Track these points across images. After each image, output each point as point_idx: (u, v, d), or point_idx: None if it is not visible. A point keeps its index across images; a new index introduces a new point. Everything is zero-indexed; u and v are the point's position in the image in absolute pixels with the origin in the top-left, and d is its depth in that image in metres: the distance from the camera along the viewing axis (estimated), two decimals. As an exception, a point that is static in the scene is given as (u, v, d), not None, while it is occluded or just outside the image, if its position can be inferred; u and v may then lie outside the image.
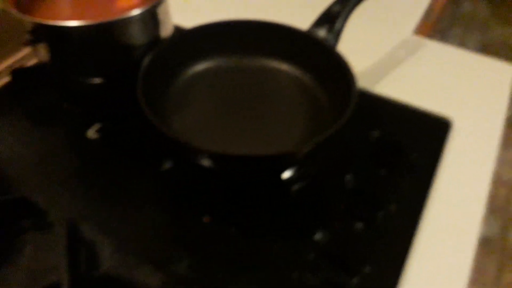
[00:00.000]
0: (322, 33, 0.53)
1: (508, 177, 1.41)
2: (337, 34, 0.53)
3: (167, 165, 0.49)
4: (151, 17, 0.51)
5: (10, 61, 0.63)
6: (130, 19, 0.48)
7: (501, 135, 0.56)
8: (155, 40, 0.53)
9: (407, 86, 0.61)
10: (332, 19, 0.53)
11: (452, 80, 0.62)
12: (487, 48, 2.03)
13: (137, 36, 0.51)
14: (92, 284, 0.39)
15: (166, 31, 0.55)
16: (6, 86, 0.59)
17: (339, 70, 0.48)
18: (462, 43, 2.04)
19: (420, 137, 0.53)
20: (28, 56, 0.64)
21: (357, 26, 0.69)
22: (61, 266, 0.37)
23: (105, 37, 0.48)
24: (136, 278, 0.39)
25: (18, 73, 0.58)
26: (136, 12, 0.47)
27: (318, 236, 0.43)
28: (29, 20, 0.46)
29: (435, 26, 1.04)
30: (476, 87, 0.62)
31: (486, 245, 1.29)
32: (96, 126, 0.54)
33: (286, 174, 0.48)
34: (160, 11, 0.52)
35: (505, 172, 1.42)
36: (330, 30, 0.53)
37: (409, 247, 0.42)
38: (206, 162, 0.42)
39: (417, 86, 0.61)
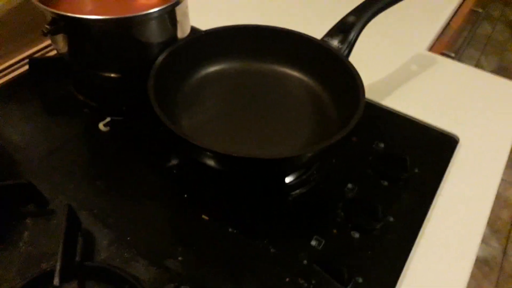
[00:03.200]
0: (335, 42, 0.53)
1: None
2: (350, 45, 0.54)
3: (173, 161, 0.50)
4: (169, 17, 0.52)
5: (29, 51, 0.64)
6: (149, 16, 0.49)
7: (508, 157, 0.56)
8: (172, 40, 0.54)
9: (417, 101, 0.61)
10: (346, 30, 0.54)
11: (462, 98, 0.63)
12: (503, 71, 2.02)
13: (154, 34, 0.52)
14: (85, 274, 0.40)
15: (183, 31, 0.56)
16: (24, 75, 0.61)
17: (349, 80, 0.49)
18: (478, 65, 2.03)
19: (426, 152, 0.53)
20: (47, 47, 0.66)
21: (372, 38, 0.70)
22: (56, 254, 0.38)
23: (123, 32, 0.50)
24: (129, 272, 0.40)
25: (35, 62, 0.60)
26: (154, 9, 0.49)
27: (314, 242, 0.43)
28: (50, 11, 0.48)
29: (451, 45, 1.04)
30: (486, 106, 0.62)
31: (484, 265, 1.28)
32: (107, 120, 0.55)
33: (289, 179, 0.48)
34: (179, 11, 0.53)
35: (510, 194, 1.40)
36: (343, 40, 0.53)
37: (404, 262, 0.42)
38: (210, 162, 0.43)
39: (426, 101, 0.61)
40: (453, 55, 0.92)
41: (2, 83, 0.60)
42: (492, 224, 1.32)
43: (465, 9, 0.96)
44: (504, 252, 1.30)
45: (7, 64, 0.62)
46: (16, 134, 0.54)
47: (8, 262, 0.41)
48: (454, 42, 1.04)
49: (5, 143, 0.52)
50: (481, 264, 1.28)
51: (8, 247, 0.42)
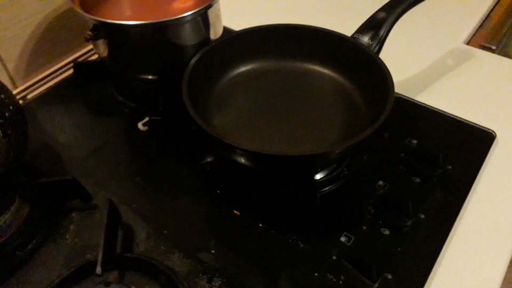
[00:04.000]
0: (365, 39, 0.53)
1: None
2: (380, 41, 0.53)
3: (207, 159, 0.52)
4: (202, 19, 0.54)
5: (73, 56, 0.69)
6: (183, 20, 0.51)
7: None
8: (205, 41, 0.56)
9: (452, 96, 0.60)
10: (377, 26, 0.54)
11: (499, 92, 0.61)
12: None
13: (188, 37, 0.54)
14: (125, 265, 0.42)
15: (216, 32, 0.58)
16: (69, 78, 0.65)
17: (379, 77, 0.49)
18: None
19: (460, 148, 0.52)
20: (90, 52, 0.70)
21: (407, 32, 0.69)
22: (99, 246, 0.41)
23: (158, 36, 0.52)
24: (166, 263, 0.42)
25: (79, 66, 0.64)
26: (188, 13, 0.51)
27: (343, 238, 0.44)
28: (92, 18, 0.51)
29: (493, 36, 1.00)
30: (525, 101, 0.59)
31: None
32: (146, 119, 0.58)
33: (319, 175, 0.49)
34: (211, 14, 0.55)
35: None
36: (373, 37, 0.53)
37: (434, 260, 0.42)
38: (242, 160, 0.44)
39: (462, 96, 0.60)
40: (494, 47, 0.88)
41: (50, 86, 0.65)
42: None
43: (507, 0, 0.92)
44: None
45: (54, 68, 0.66)
46: (62, 133, 0.58)
47: (56, 253, 0.44)
48: (496, 35, 1.00)
49: (52, 142, 0.56)
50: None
51: (56, 239, 0.45)
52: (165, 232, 0.45)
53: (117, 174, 0.52)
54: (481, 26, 0.79)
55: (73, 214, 0.47)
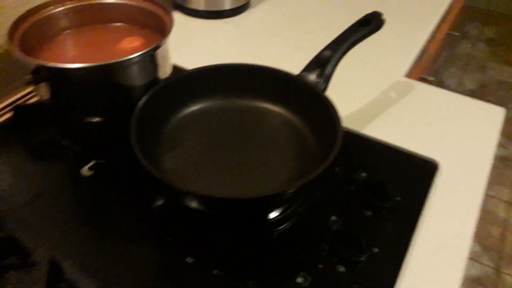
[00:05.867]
0: (312, 77, 0.55)
1: (502, 216, 1.40)
2: (327, 78, 0.55)
3: (157, 202, 0.50)
4: (150, 60, 0.53)
5: (13, 98, 0.65)
6: (130, 62, 0.50)
7: (494, 175, 0.57)
8: (154, 81, 0.55)
9: (397, 128, 0.63)
10: (323, 64, 0.55)
11: (440, 122, 0.64)
12: (485, 88, 2.06)
13: (136, 78, 0.53)
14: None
15: (164, 72, 0.57)
16: (8, 122, 0.62)
17: (327, 114, 0.50)
18: (460, 83, 2.07)
19: (407, 179, 0.54)
20: (30, 94, 0.67)
21: (350, 68, 0.72)
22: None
23: (104, 78, 0.51)
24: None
25: (19, 109, 0.61)
26: (134, 55, 0.50)
27: (300, 279, 0.43)
28: (32, 61, 0.49)
29: (431, 67, 1.07)
30: (465, 128, 0.63)
31: (478, 285, 1.27)
32: (92, 163, 0.56)
33: (273, 214, 0.48)
34: (159, 54, 0.54)
35: (499, 210, 1.41)
36: (320, 74, 0.55)
37: (392, 291, 0.42)
38: (193, 203, 0.43)
39: (406, 128, 0.63)
40: (432, 78, 0.94)
41: (-14, 130, 0.61)
42: (484, 242, 1.32)
43: (441, 34, 0.99)
44: (497, 270, 1.30)
45: (-9, 111, 0.63)
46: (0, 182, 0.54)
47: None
48: (433, 66, 1.06)
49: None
50: (475, 283, 1.27)
51: (-8, 301, 0.42)
52: (115, 286, 0.43)
53: (60, 225, 0.48)
54: (419, 58, 0.84)
55: (11, 273, 0.43)
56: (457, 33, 1.11)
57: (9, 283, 0.43)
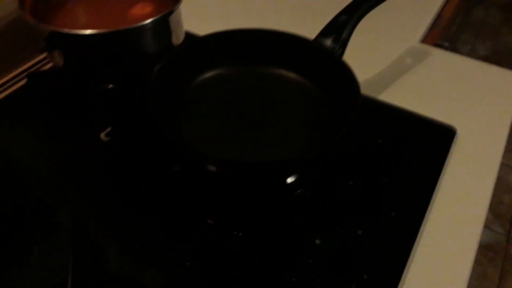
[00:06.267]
0: (328, 42, 0.54)
1: (514, 184, 1.41)
2: (343, 44, 0.54)
3: (175, 167, 0.51)
4: (163, 26, 0.53)
5: (26, 65, 0.65)
6: (142, 28, 0.50)
7: (508, 142, 0.56)
8: (167, 47, 0.54)
9: (413, 94, 0.62)
10: (339, 29, 0.54)
11: (457, 89, 0.63)
12: (498, 55, 2.02)
13: (149, 44, 0.52)
14: (96, 285, 0.40)
15: (177, 38, 0.57)
16: (22, 89, 0.62)
17: (344, 79, 0.49)
18: (473, 50, 2.03)
19: (424, 145, 0.54)
20: (43, 61, 0.66)
21: (365, 34, 0.70)
22: (67, 266, 0.38)
23: (117, 45, 0.50)
24: (140, 281, 0.40)
25: (33, 76, 0.60)
26: (148, 21, 0.49)
27: (318, 241, 0.44)
28: (46, 28, 0.48)
29: (445, 33, 1.05)
30: (481, 95, 0.62)
31: (489, 251, 1.29)
32: (107, 130, 0.56)
33: (291, 179, 0.49)
34: (172, 20, 0.53)
35: (511, 178, 1.41)
36: (336, 39, 0.54)
37: (408, 254, 0.43)
38: (212, 168, 0.43)
39: (422, 94, 0.62)
40: (447, 44, 0.92)
41: (1, 98, 0.61)
42: (495, 209, 1.33)
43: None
44: (508, 236, 1.31)
45: (5, 79, 0.63)
46: (19, 149, 0.54)
47: (20, 277, 0.42)
48: (447, 31, 1.04)
49: (8, 159, 0.53)
50: (486, 249, 1.29)
51: (20, 263, 0.43)
52: (136, 246, 0.44)
53: (81, 189, 0.49)
54: (434, 24, 0.82)
55: (37, 234, 0.45)
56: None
57: (37, 244, 0.44)
